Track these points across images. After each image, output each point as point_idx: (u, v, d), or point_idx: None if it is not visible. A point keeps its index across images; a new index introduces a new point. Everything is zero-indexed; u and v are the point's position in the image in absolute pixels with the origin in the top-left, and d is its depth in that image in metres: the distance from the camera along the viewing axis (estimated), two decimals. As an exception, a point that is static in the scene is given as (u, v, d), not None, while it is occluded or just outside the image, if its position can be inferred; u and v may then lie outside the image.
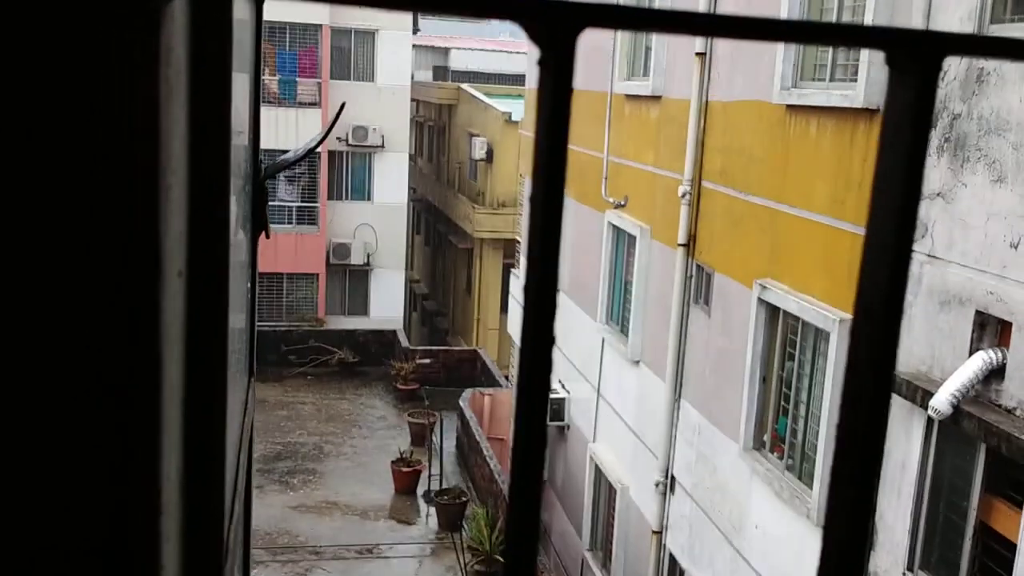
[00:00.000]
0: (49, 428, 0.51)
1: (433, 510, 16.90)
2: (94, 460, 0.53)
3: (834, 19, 8.03)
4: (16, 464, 0.52)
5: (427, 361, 23.12)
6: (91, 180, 0.47)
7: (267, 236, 1.67)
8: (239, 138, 1.52)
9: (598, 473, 13.27)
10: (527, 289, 0.53)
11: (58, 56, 0.46)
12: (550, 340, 0.53)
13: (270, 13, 24.77)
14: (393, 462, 17.94)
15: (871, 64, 7.22)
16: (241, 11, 1.30)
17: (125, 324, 0.51)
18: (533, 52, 0.53)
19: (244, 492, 1.57)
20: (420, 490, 17.76)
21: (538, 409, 0.57)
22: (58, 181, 0.48)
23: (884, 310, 0.58)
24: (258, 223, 1.59)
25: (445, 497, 16.68)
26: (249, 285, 1.62)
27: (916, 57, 0.55)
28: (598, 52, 13.33)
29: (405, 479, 17.71)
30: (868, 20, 7.26)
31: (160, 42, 0.47)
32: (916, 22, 6.71)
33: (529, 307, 0.52)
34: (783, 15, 8.45)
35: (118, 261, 0.49)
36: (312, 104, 25.63)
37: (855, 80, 7.54)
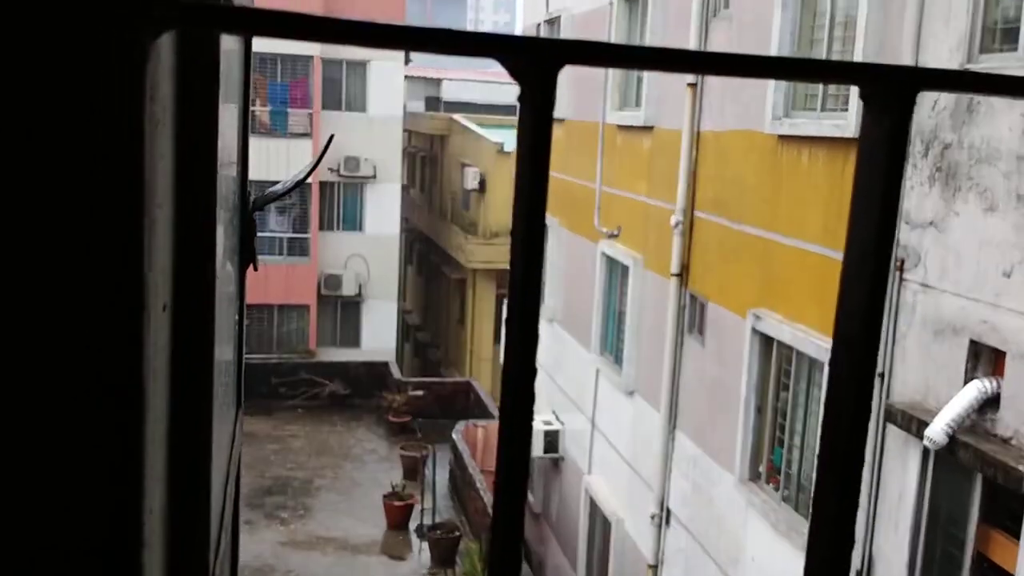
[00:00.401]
0: (27, 456, 0.51)
1: (426, 545, 16.74)
2: (75, 492, 0.52)
3: (824, 48, 8.12)
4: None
5: (419, 393, 23.02)
6: (74, 214, 0.48)
7: (255, 268, 1.67)
8: (227, 169, 1.53)
9: (593, 506, 13.19)
10: (509, 321, 0.54)
11: (44, 90, 0.47)
12: (532, 369, 0.53)
13: (261, 45, 24.92)
14: (385, 496, 17.80)
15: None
16: (229, 42, 1.32)
17: (108, 358, 0.51)
18: (515, 89, 0.53)
19: (231, 526, 1.56)
20: (413, 525, 17.62)
21: (521, 440, 0.57)
22: (41, 215, 0.48)
23: (863, 344, 0.58)
24: (246, 255, 1.59)
25: (438, 532, 16.55)
26: (237, 317, 1.62)
27: (890, 92, 0.56)
28: (590, 83, 13.44)
29: (397, 513, 17.57)
30: (858, 49, 7.34)
31: (146, 78, 0.47)
32: (906, 52, 6.79)
33: (512, 337, 0.52)
34: (773, 45, 8.54)
35: (102, 295, 0.49)
36: (303, 135, 25.73)
37: (846, 110, 7.61)
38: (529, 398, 0.55)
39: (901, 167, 0.58)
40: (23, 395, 0.50)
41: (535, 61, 0.52)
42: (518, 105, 0.54)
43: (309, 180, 25.53)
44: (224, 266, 1.51)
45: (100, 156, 0.47)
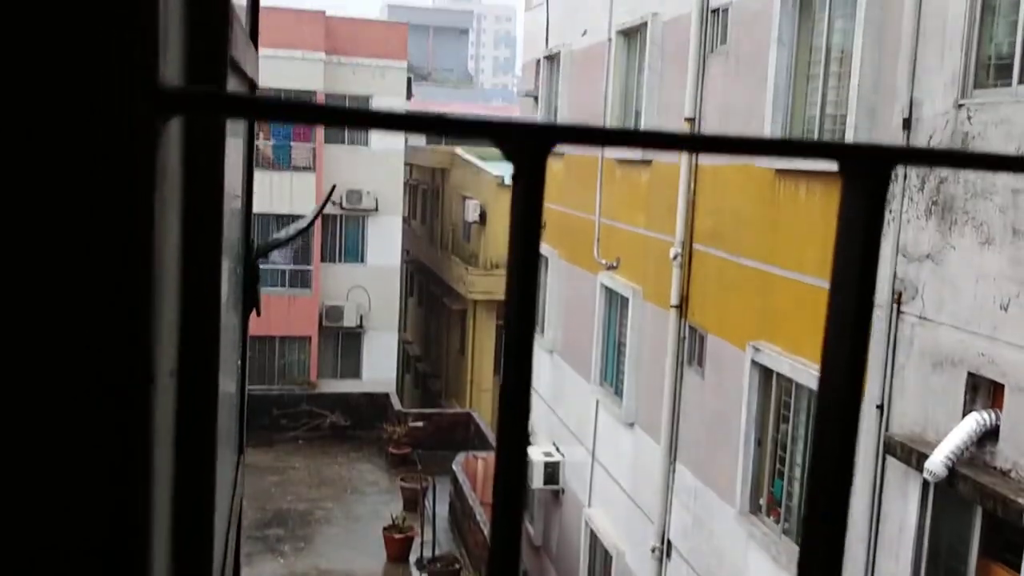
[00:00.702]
0: (36, 515, 0.53)
1: (426, 577, 16.62)
2: (80, 554, 0.54)
3: (820, 83, 8.19)
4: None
5: (420, 424, 22.96)
6: (86, 291, 0.50)
7: (258, 314, 1.70)
8: (232, 217, 1.56)
9: (593, 538, 13.12)
10: (503, 391, 0.56)
11: (59, 168, 0.49)
12: (524, 444, 0.55)
13: (265, 79, 25.15)
14: (385, 528, 17.70)
15: (858, 128, 7.35)
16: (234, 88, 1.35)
17: (117, 425, 0.53)
18: (508, 167, 0.56)
19: (233, 571, 1.57)
20: (413, 557, 17.50)
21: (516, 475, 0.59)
22: (56, 295, 0.50)
23: (846, 402, 0.60)
24: (249, 302, 1.62)
25: (438, 564, 16.44)
26: (239, 362, 1.64)
27: (867, 168, 0.59)
28: (589, 116, 13.54)
29: (397, 546, 17.46)
30: (853, 84, 7.41)
31: (156, 160, 0.50)
32: (901, 87, 6.85)
33: (504, 411, 0.54)
34: (770, 79, 8.63)
35: (113, 368, 0.52)
36: (306, 168, 25.87)
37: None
38: (524, 440, 0.57)
39: (878, 238, 0.60)
40: (32, 457, 0.52)
41: (526, 143, 0.54)
42: (511, 182, 0.57)
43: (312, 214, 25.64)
44: (227, 313, 1.53)
45: (111, 236, 0.49)
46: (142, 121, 0.47)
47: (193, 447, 0.72)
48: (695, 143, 0.56)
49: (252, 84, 1.57)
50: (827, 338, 0.64)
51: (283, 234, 2.30)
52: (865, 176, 0.59)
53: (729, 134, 0.56)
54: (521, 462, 0.55)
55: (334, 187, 3.04)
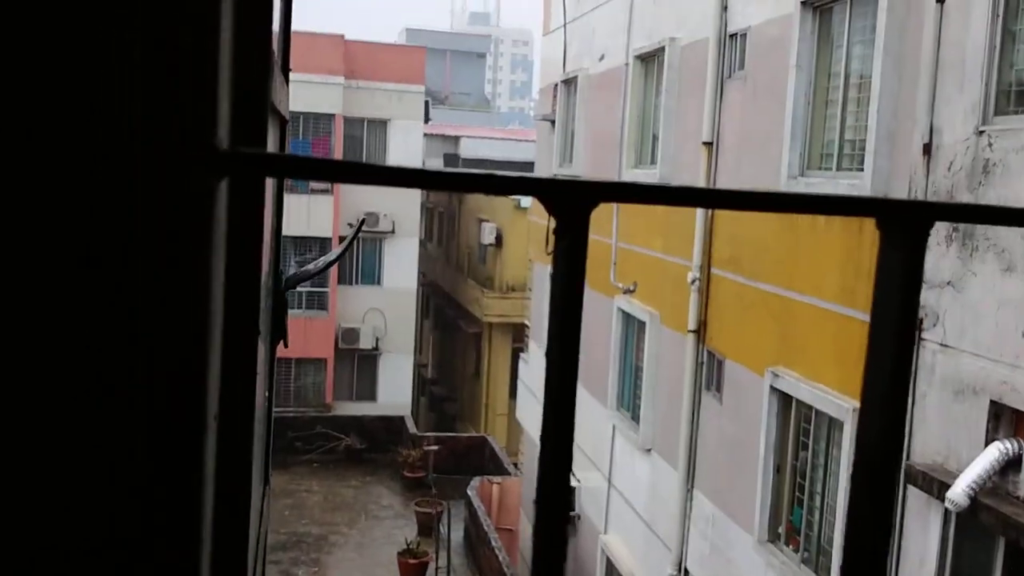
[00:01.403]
0: (97, 566, 0.54)
1: (441, 602, 16.54)
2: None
3: (838, 109, 8.19)
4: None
5: (435, 448, 22.91)
6: (150, 348, 0.51)
7: (286, 345, 1.71)
8: (264, 251, 1.57)
9: (610, 566, 13.02)
10: (542, 452, 0.56)
11: (124, 232, 0.50)
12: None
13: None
14: (399, 553, 17.64)
15: (877, 154, 7.34)
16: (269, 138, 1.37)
17: (170, 468, 0.54)
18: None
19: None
20: (428, 581, 17.41)
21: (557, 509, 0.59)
22: (122, 353, 0.52)
23: (882, 472, 0.61)
24: (278, 333, 1.63)
25: (454, 588, 16.35)
26: (267, 394, 1.66)
27: (905, 225, 0.59)
28: (607, 140, 13.58)
29: (412, 571, 17.38)
30: (872, 111, 7.40)
31: (214, 219, 0.51)
32: (920, 114, 6.84)
33: (544, 480, 0.55)
34: (788, 105, 8.63)
35: (167, 414, 0.53)
36: (324, 192, 26.02)
37: (861, 169, 7.65)
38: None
39: (917, 294, 0.60)
40: (86, 500, 0.53)
41: (570, 200, 0.55)
42: (554, 237, 0.58)
43: (329, 235, 25.78)
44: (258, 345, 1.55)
45: (169, 285, 0.50)
46: (200, 183, 0.48)
47: (231, 491, 0.73)
48: (731, 199, 0.56)
49: (283, 120, 1.59)
50: (865, 392, 0.65)
51: (312, 267, 2.32)
52: (904, 232, 0.59)
53: (768, 190, 0.57)
54: (562, 529, 0.56)
55: (363, 219, 3.07)
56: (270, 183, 1.29)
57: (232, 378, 0.73)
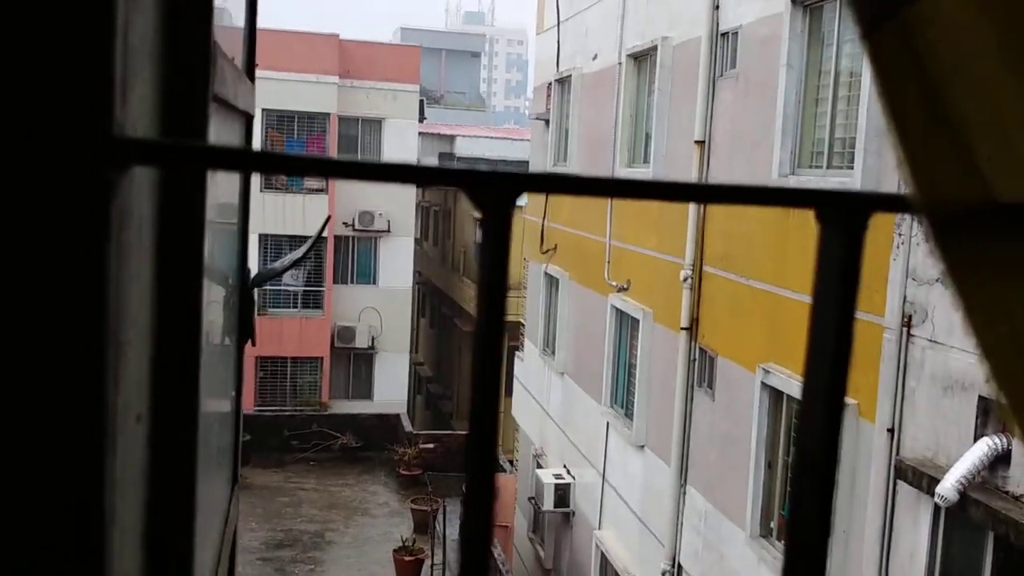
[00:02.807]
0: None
1: (437, 600, 16.54)
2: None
3: (829, 107, 8.18)
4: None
5: (431, 446, 22.91)
6: (31, 336, 0.49)
7: (253, 344, 1.70)
8: (227, 247, 1.56)
9: (604, 561, 13.02)
10: (467, 445, 0.55)
11: (7, 220, 0.48)
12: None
13: (279, 102, 25.30)
14: (395, 550, 17.64)
15: (867, 151, 7.33)
16: (229, 134, 1.35)
17: (70, 470, 0.52)
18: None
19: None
20: (423, 579, 17.41)
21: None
22: (13, 331, 0.50)
23: (822, 455, 0.59)
24: (244, 332, 1.62)
25: (449, 586, 16.36)
26: (234, 393, 1.64)
27: (844, 215, 0.58)
28: (600, 139, 13.57)
29: (407, 568, 17.39)
30: (863, 108, 7.40)
31: (111, 212, 0.49)
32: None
33: (469, 476, 0.53)
34: (779, 103, 8.62)
35: (64, 419, 0.51)
36: (319, 191, 25.98)
37: (852, 168, 7.65)
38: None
39: (856, 285, 0.59)
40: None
41: (493, 191, 0.54)
42: (479, 229, 0.57)
43: (324, 234, 25.73)
44: (222, 342, 1.53)
45: (61, 288, 0.48)
46: (93, 173, 0.47)
47: (170, 493, 0.71)
48: (661, 191, 0.55)
49: (247, 117, 1.57)
50: (806, 383, 0.63)
51: (279, 264, 2.30)
52: (843, 223, 0.58)
53: (692, 182, 0.56)
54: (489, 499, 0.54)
55: (329, 218, 3.06)
56: (225, 178, 1.27)
57: (168, 377, 0.71)
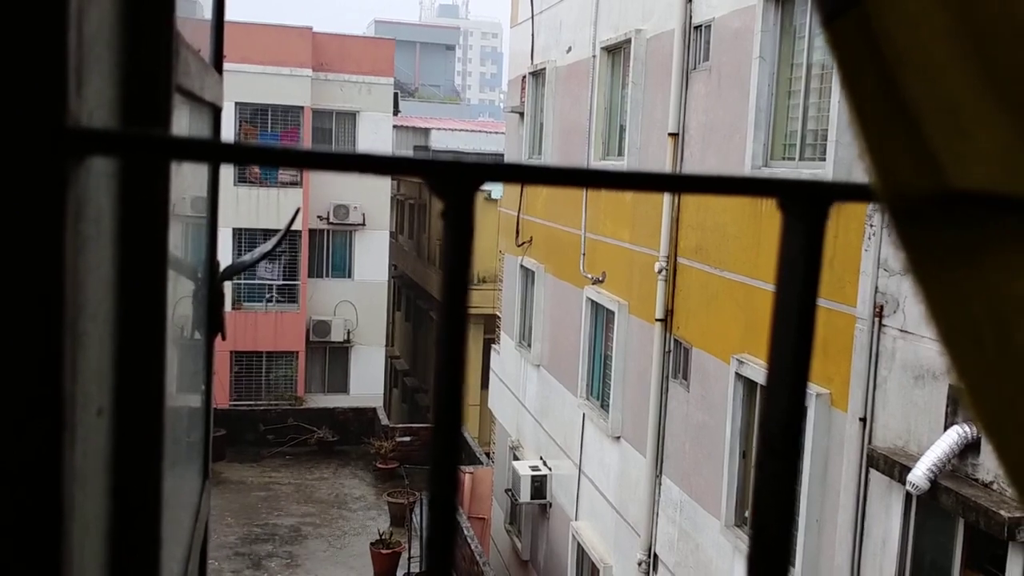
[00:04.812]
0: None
1: (414, 593, 16.54)
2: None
3: (801, 99, 8.23)
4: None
5: (407, 439, 22.89)
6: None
7: (223, 338, 1.68)
8: (195, 239, 1.54)
9: (580, 552, 13.08)
10: (433, 428, 0.55)
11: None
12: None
13: (252, 95, 25.12)
14: (372, 544, 17.62)
15: (839, 143, 7.39)
16: (197, 127, 1.34)
17: (26, 467, 0.51)
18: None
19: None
20: (400, 572, 17.41)
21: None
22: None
23: (783, 440, 0.60)
24: (214, 325, 1.60)
25: (426, 579, 16.36)
26: (204, 387, 1.63)
27: (805, 204, 0.58)
28: (575, 132, 13.58)
29: (384, 561, 17.37)
30: (834, 100, 7.45)
31: (67, 202, 0.49)
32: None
33: (435, 451, 0.53)
34: (752, 95, 8.67)
35: (20, 412, 0.50)
36: (293, 184, 25.84)
37: (824, 159, 7.71)
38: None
39: (817, 272, 0.60)
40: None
41: (453, 180, 0.54)
42: (441, 220, 0.56)
43: (300, 228, 25.60)
44: (191, 336, 1.52)
45: (16, 280, 0.48)
46: (47, 163, 0.46)
47: (135, 488, 0.71)
48: (632, 180, 0.55)
49: (215, 108, 1.56)
50: (770, 369, 0.64)
51: (248, 257, 2.29)
52: (804, 213, 0.58)
53: (655, 171, 0.56)
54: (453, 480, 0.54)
55: (298, 210, 3.04)
56: (192, 170, 1.26)
57: (132, 370, 0.70)
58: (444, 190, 0.53)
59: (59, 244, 0.48)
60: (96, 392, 0.62)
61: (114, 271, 0.65)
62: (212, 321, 1.55)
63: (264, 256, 2.35)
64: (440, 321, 0.58)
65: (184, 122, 1.08)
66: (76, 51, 0.49)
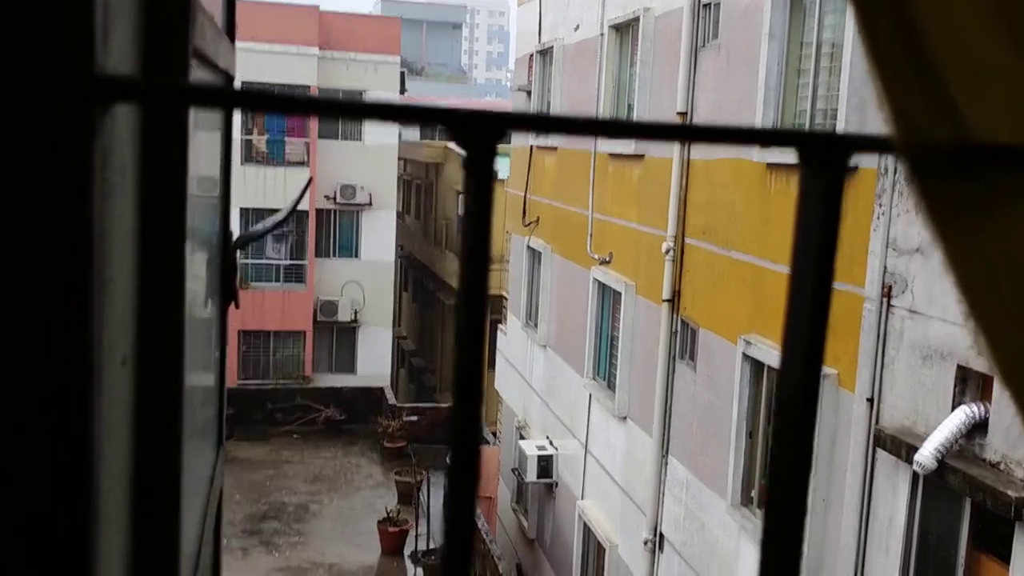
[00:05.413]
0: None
1: (420, 571, 16.65)
2: (18, 553, 0.53)
3: (811, 77, 8.18)
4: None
5: (414, 418, 22.98)
6: (14, 283, 0.49)
7: (236, 306, 1.69)
8: (209, 208, 1.55)
9: (587, 531, 13.14)
10: (455, 372, 0.55)
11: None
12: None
13: (259, 74, 25.08)
14: (380, 522, 17.73)
15: (848, 122, 7.35)
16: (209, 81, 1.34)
17: (54, 422, 0.52)
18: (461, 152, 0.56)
19: (212, 565, 1.57)
20: (407, 550, 17.53)
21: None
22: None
23: (802, 403, 0.60)
24: (227, 293, 1.61)
25: (433, 557, 16.47)
26: (218, 354, 1.64)
27: (825, 156, 0.58)
28: (582, 110, 13.52)
29: (392, 539, 17.48)
30: (844, 79, 7.41)
31: (94, 149, 0.49)
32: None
33: (456, 411, 0.54)
34: (761, 73, 8.62)
35: (51, 357, 0.51)
36: (300, 163, 25.82)
37: (832, 138, 7.66)
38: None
39: (836, 226, 0.60)
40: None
41: (477, 130, 0.54)
42: (463, 170, 0.57)
43: (307, 208, 25.61)
44: (205, 304, 1.53)
45: (45, 225, 0.48)
46: (77, 109, 0.46)
47: (156, 439, 0.71)
48: (650, 131, 0.55)
49: (228, 77, 1.56)
50: (785, 338, 0.64)
51: (261, 226, 2.30)
52: (823, 165, 0.58)
53: (675, 123, 0.56)
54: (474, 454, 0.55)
55: (311, 179, 3.05)
56: (212, 139, 1.26)
57: (152, 324, 0.71)
58: (467, 140, 0.54)
59: (88, 189, 0.48)
60: (120, 340, 0.63)
61: (136, 221, 0.65)
62: (225, 290, 1.56)
63: (277, 225, 2.37)
64: (462, 270, 0.58)
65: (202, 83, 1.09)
66: (103, 6, 0.49)
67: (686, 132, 0.57)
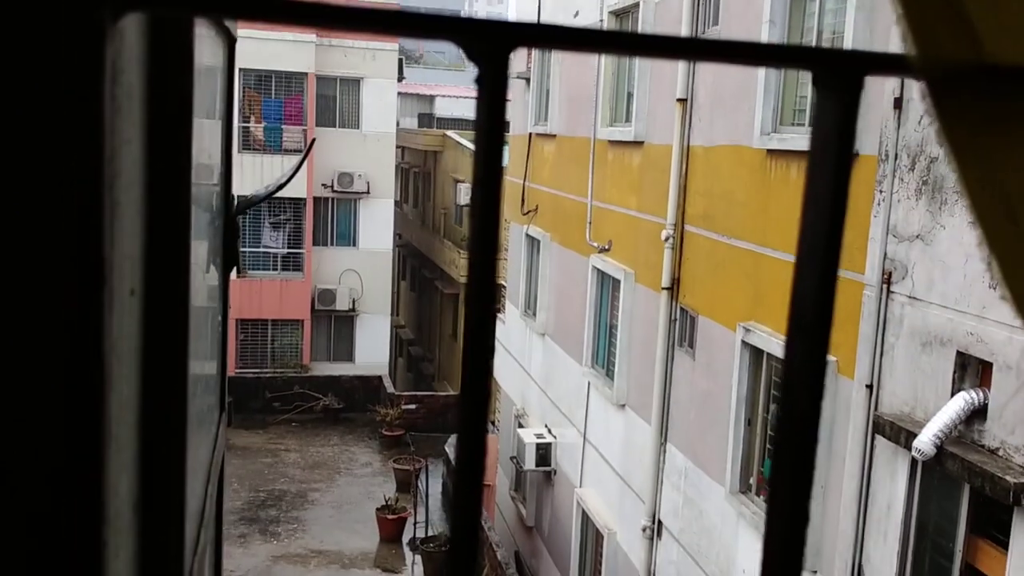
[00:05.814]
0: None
1: (419, 558, 16.69)
2: (30, 483, 0.52)
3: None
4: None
5: (413, 407, 23.00)
6: (25, 194, 0.48)
7: (239, 272, 1.68)
8: (211, 174, 1.54)
9: (585, 518, 13.17)
10: (468, 299, 0.55)
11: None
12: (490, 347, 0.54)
13: (256, 62, 24.99)
14: (378, 509, 17.76)
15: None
16: (213, 46, 1.33)
17: (66, 339, 0.51)
18: (472, 70, 0.55)
19: (215, 526, 1.56)
20: (406, 538, 17.56)
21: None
22: None
23: (815, 324, 0.59)
24: (230, 258, 1.61)
25: (431, 545, 16.50)
26: (220, 319, 1.63)
27: (840, 76, 0.57)
28: (581, 99, 13.50)
29: (390, 527, 17.52)
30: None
31: (105, 59, 0.48)
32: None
33: (469, 316, 0.53)
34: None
35: (61, 273, 0.50)
36: (297, 151, 25.75)
37: (833, 125, 7.65)
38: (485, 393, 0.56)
39: (851, 150, 0.59)
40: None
41: (490, 42, 0.53)
42: (475, 85, 0.56)
43: (305, 196, 25.55)
44: (207, 268, 1.52)
45: (57, 135, 0.48)
46: (88, 15, 0.46)
47: (162, 366, 0.71)
48: (656, 45, 0.54)
49: (231, 40, 1.55)
50: (800, 254, 0.63)
51: (263, 190, 2.28)
52: (838, 82, 0.57)
53: (686, 37, 0.55)
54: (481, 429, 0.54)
55: (314, 140, 3.04)
56: (213, 128, 1.25)
57: (158, 255, 0.70)
58: (479, 53, 0.53)
59: (99, 99, 0.47)
60: (129, 272, 0.62)
61: (143, 144, 0.64)
62: (228, 254, 1.55)
63: (278, 188, 2.36)
64: (473, 197, 0.57)
65: (202, 46, 1.08)
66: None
67: (699, 48, 0.56)
